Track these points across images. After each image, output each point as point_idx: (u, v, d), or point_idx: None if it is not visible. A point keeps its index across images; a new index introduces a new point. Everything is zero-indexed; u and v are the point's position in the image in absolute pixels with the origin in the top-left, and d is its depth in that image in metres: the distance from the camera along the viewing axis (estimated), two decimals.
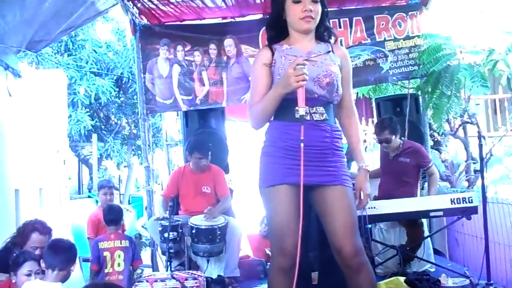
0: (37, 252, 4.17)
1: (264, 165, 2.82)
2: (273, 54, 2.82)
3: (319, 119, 2.73)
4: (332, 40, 2.93)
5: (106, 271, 4.69)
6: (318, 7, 2.77)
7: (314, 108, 2.72)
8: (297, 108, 2.59)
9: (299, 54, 2.77)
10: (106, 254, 4.72)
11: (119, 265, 4.71)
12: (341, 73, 2.83)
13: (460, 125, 7.36)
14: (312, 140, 2.67)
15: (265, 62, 2.81)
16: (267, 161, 2.81)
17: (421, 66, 5.76)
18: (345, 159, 2.88)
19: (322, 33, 2.88)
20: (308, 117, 2.67)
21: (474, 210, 4.40)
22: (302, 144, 2.56)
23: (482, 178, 4.27)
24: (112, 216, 4.97)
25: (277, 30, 2.88)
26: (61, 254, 3.46)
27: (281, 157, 2.72)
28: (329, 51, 2.83)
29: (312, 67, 2.71)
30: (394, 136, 5.16)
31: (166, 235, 4.70)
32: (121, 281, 4.58)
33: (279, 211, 2.71)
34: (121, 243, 4.77)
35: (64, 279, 3.43)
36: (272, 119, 2.82)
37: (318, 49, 2.82)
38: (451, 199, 4.44)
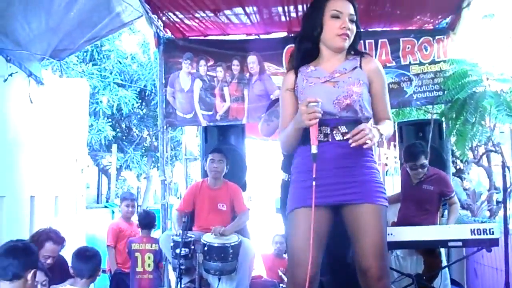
0: (49, 261, 4.16)
1: (290, 193, 2.78)
2: (296, 77, 2.78)
3: (341, 138, 2.64)
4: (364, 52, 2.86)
5: (137, 270, 5.40)
6: (354, 29, 2.72)
7: (336, 129, 2.65)
8: (311, 145, 2.52)
9: (322, 75, 2.71)
10: (138, 255, 5.44)
11: (149, 265, 5.43)
12: (371, 88, 2.73)
13: (483, 153, 7.21)
14: (333, 159, 2.62)
15: (288, 88, 2.80)
16: (291, 189, 2.76)
17: (446, 92, 5.65)
18: (379, 173, 2.77)
19: (351, 49, 2.79)
20: (329, 138, 2.63)
21: (495, 242, 4.25)
22: (314, 183, 2.50)
23: (505, 209, 4.15)
24: (147, 221, 5.67)
25: (310, 45, 2.79)
26: (89, 263, 3.65)
27: (303, 181, 2.66)
28: (356, 67, 2.74)
29: (332, 89, 2.66)
30: (426, 161, 5.04)
31: (177, 251, 4.64)
32: (151, 280, 5.39)
33: (296, 236, 2.65)
34: (151, 246, 5.46)
35: (91, 283, 3.70)
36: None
37: (344, 66, 2.74)
38: (471, 229, 4.29)
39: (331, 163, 2.61)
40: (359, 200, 2.63)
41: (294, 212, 2.68)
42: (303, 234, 2.56)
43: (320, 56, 2.79)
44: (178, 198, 13.73)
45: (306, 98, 2.56)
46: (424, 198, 5.06)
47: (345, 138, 2.62)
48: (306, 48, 2.81)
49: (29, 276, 2.92)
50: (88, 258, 3.66)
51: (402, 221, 4.97)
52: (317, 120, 2.48)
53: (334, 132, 2.65)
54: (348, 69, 2.72)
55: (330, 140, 2.64)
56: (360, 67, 2.75)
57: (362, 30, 2.86)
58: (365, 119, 2.71)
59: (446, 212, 5.37)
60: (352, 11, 2.71)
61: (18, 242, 3.10)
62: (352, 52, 2.80)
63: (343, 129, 2.65)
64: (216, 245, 4.75)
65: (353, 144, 2.50)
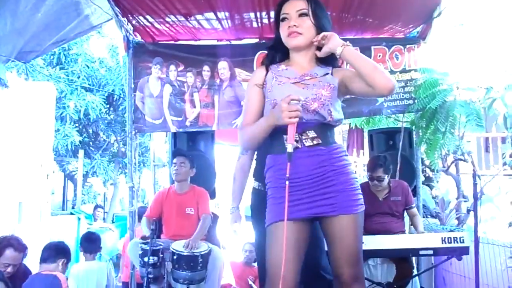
0: (9, 269, 4.03)
1: (268, 207, 2.71)
2: (266, 74, 2.75)
3: (311, 144, 2.60)
4: (337, 64, 2.79)
5: None
6: (306, 22, 2.67)
7: (305, 134, 2.60)
8: (285, 142, 2.49)
9: (293, 75, 2.69)
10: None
11: None
12: (347, 77, 2.67)
13: (452, 162, 7.29)
14: (306, 169, 2.57)
15: (257, 83, 2.75)
16: (269, 203, 2.70)
17: (416, 101, 5.67)
18: (356, 178, 2.71)
19: (326, 57, 2.72)
20: (299, 144, 2.57)
21: (465, 250, 4.29)
22: (287, 182, 2.46)
23: (476, 217, 4.17)
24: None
25: (280, 52, 2.80)
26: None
27: (280, 197, 2.58)
28: (328, 73, 2.71)
29: (301, 90, 2.62)
30: (386, 176, 5.11)
31: (146, 259, 4.55)
32: None
33: (275, 249, 2.57)
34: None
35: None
36: (268, 153, 2.73)
37: (315, 71, 2.71)
38: (442, 238, 4.32)
39: (305, 174, 2.57)
40: (335, 212, 2.59)
41: (272, 226, 2.61)
42: (282, 248, 2.49)
43: (290, 58, 2.78)
44: (145, 204, 13.59)
45: (277, 96, 2.58)
46: (395, 209, 5.16)
47: (314, 143, 2.59)
48: (273, 56, 2.81)
49: None
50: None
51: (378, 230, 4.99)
52: (297, 119, 2.43)
53: (303, 137, 2.60)
54: (319, 75, 2.70)
55: (300, 146, 2.58)
56: (331, 74, 2.72)
57: None
58: (334, 123, 2.68)
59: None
60: (300, 6, 2.69)
61: None
62: (330, 57, 2.72)
63: (312, 133, 2.61)
64: (185, 253, 4.66)
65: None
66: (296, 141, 2.53)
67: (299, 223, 2.57)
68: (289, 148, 2.45)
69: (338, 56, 2.63)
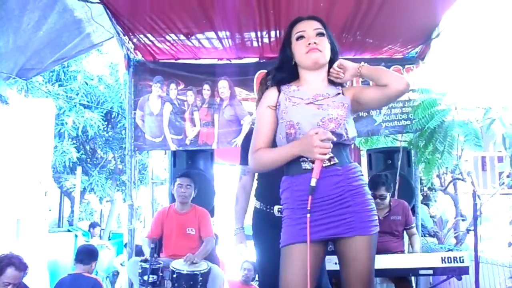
0: None
1: (284, 228, 2.68)
2: (279, 95, 2.73)
3: (328, 164, 2.57)
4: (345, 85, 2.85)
5: None
6: (325, 42, 2.70)
7: None
8: (302, 164, 2.53)
9: (305, 96, 2.68)
10: None
11: None
12: (359, 92, 2.74)
13: (451, 181, 7.31)
14: (323, 190, 2.55)
15: (269, 104, 2.72)
16: (285, 224, 2.67)
17: (414, 121, 5.70)
18: (371, 198, 2.71)
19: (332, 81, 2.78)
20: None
21: (465, 270, 4.28)
22: (308, 215, 2.47)
23: (476, 237, 4.17)
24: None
25: (287, 73, 2.79)
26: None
27: (298, 218, 2.59)
28: (339, 93, 2.73)
29: (316, 111, 2.62)
30: (388, 194, 5.13)
31: (145, 278, 4.53)
32: None
33: (291, 271, 2.56)
34: None
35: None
36: (283, 174, 2.72)
37: (327, 91, 2.71)
38: (441, 257, 4.31)
39: (322, 195, 2.55)
40: (352, 232, 2.58)
41: (289, 248, 2.58)
42: (298, 270, 2.51)
43: (300, 78, 2.77)
44: (141, 222, 13.54)
45: (293, 117, 2.61)
46: (394, 228, 5.18)
47: (331, 163, 2.58)
48: (281, 77, 2.80)
49: None
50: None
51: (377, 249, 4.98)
52: (327, 156, 2.45)
53: None
54: (332, 95, 2.70)
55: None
56: (343, 93, 2.74)
57: None
58: (349, 141, 2.68)
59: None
60: (316, 25, 2.73)
61: None
62: (334, 83, 2.78)
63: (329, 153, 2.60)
64: (185, 272, 4.65)
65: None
66: (313, 161, 2.54)
67: (315, 244, 2.54)
68: (313, 182, 2.46)
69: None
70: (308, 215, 2.47)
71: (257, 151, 2.69)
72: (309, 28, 2.72)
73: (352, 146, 7.68)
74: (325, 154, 2.43)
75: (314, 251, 2.53)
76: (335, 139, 2.48)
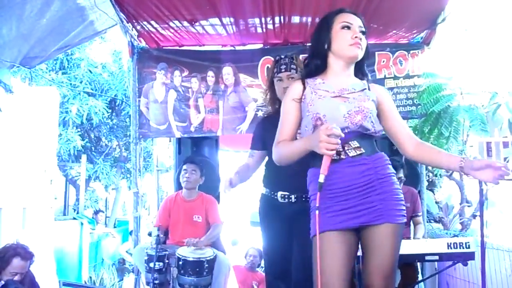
0: (17, 278, 4.03)
1: (312, 217, 2.66)
2: (304, 88, 2.73)
3: (354, 154, 2.59)
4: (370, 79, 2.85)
5: None
6: (365, 41, 2.71)
7: (347, 144, 2.59)
8: (320, 173, 2.43)
9: (331, 89, 2.68)
10: None
11: None
12: (383, 106, 2.74)
13: None
14: (351, 178, 2.57)
15: (294, 97, 2.73)
16: (314, 213, 2.63)
17: (420, 106, 5.68)
18: (400, 188, 2.70)
19: (358, 71, 2.79)
20: (342, 155, 2.58)
21: (471, 256, 4.28)
22: (317, 212, 2.45)
23: (482, 223, 4.13)
24: None
25: (319, 61, 2.77)
26: None
27: (328, 207, 2.59)
28: (365, 89, 2.73)
29: (343, 103, 2.63)
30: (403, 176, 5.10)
31: (151, 265, 4.55)
32: None
33: (327, 259, 2.55)
34: None
35: None
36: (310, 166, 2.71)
37: (353, 86, 2.71)
38: (447, 243, 4.31)
39: (350, 183, 2.57)
40: (380, 220, 2.58)
41: (322, 235, 2.54)
42: (334, 258, 2.54)
43: (328, 70, 2.77)
44: (146, 209, 13.57)
45: (320, 110, 2.60)
46: None
47: (358, 153, 2.60)
48: (316, 64, 2.78)
49: None
50: None
51: None
52: (334, 152, 2.40)
53: (346, 148, 2.60)
54: (357, 89, 2.71)
55: (343, 157, 2.59)
56: (369, 89, 2.75)
57: None
58: (376, 133, 2.68)
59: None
60: (361, 23, 2.73)
61: None
62: (360, 76, 2.79)
63: (355, 144, 2.61)
64: (191, 259, 4.66)
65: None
66: (339, 152, 2.55)
67: (347, 233, 2.56)
68: (321, 178, 2.42)
69: None
70: (317, 212, 2.45)
71: (279, 143, 2.71)
72: (355, 22, 2.71)
73: None
74: (331, 150, 2.37)
75: (349, 238, 2.57)
76: (343, 135, 2.43)
